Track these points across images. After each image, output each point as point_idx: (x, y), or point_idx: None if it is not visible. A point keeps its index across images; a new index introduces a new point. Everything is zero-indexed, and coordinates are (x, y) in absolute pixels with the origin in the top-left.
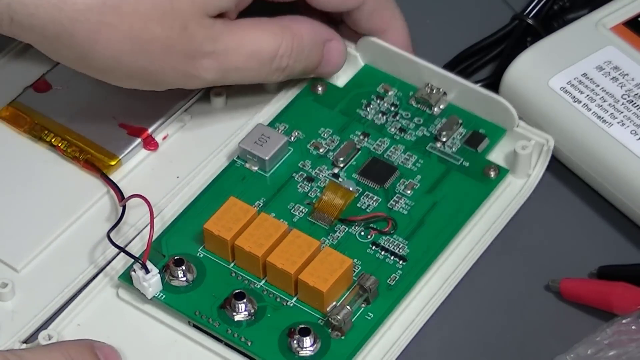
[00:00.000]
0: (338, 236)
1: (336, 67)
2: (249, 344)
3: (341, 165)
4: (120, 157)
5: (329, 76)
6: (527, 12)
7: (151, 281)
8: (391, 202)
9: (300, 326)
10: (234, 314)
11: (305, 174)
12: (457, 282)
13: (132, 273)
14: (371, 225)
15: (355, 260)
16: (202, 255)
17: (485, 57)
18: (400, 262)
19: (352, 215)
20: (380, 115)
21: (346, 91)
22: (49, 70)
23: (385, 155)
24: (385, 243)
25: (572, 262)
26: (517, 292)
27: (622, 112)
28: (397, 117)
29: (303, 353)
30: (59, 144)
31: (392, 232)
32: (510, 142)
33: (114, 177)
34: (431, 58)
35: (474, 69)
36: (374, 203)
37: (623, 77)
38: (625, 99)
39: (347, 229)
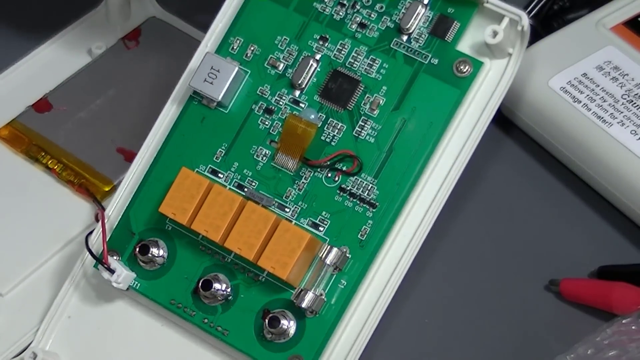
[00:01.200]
0: (304, 183)
1: None
2: (226, 334)
3: (301, 86)
4: (115, 183)
5: None
6: (527, 12)
7: (119, 279)
8: (357, 128)
9: (270, 315)
10: (208, 300)
11: (265, 104)
12: (437, 215)
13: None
14: (336, 166)
15: (324, 213)
16: (170, 228)
17: None
18: (370, 209)
19: (316, 158)
20: (338, 7)
21: None
22: (52, 90)
23: (347, 64)
24: (353, 186)
25: (572, 262)
26: (517, 292)
27: (622, 112)
28: (358, 7)
29: (279, 340)
30: (55, 167)
31: (358, 171)
32: (483, 22)
33: (108, 203)
34: None
35: None
36: (339, 133)
37: (623, 77)
38: (625, 99)
39: (312, 173)
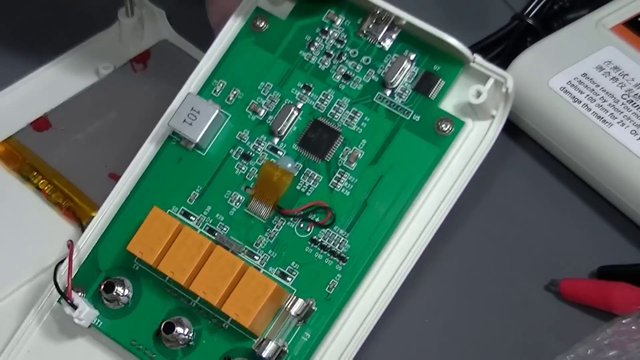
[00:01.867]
0: (275, 232)
1: None
2: None
3: (281, 134)
4: None
5: None
6: (527, 12)
7: (81, 315)
8: (333, 180)
9: None
10: (169, 344)
11: (242, 150)
12: (405, 277)
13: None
14: (309, 217)
15: (293, 263)
16: (137, 268)
17: (485, 57)
18: (340, 262)
19: (290, 207)
20: (324, 57)
21: (289, 25)
22: (53, 109)
23: (328, 115)
24: (325, 238)
25: (572, 262)
26: (517, 292)
27: (622, 112)
28: (344, 58)
29: None
30: (45, 188)
31: (330, 223)
32: (468, 81)
33: None
34: None
35: None
36: (315, 184)
37: (623, 77)
38: (625, 99)
39: (285, 222)
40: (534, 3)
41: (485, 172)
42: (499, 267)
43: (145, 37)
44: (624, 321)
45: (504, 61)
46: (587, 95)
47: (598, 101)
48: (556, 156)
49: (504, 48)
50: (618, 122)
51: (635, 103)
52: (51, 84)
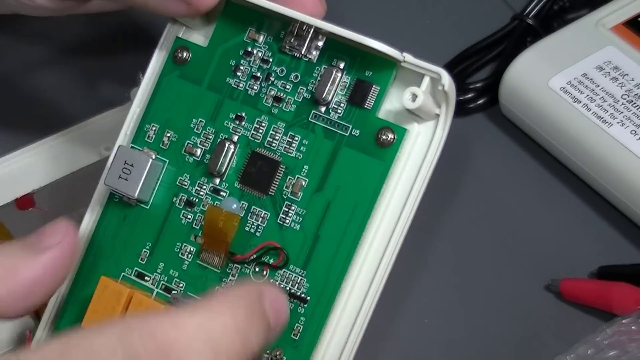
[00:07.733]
0: (232, 281)
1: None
2: None
3: (220, 173)
4: None
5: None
6: (527, 12)
7: None
8: (281, 215)
9: None
10: None
11: (185, 196)
12: (376, 302)
13: None
14: (263, 259)
15: None
16: None
17: (485, 57)
18: (302, 304)
19: (240, 253)
20: (252, 81)
21: (211, 51)
22: (42, 186)
23: (265, 144)
24: (282, 280)
25: (572, 262)
26: (517, 292)
27: (622, 112)
28: (272, 79)
29: None
30: None
31: (284, 264)
32: (405, 83)
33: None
34: (431, 58)
35: (474, 69)
36: (263, 222)
37: (623, 77)
38: (625, 99)
39: (239, 268)
40: (534, 3)
41: (485, 172)
42: (499, 267)
43: None
44: (624, 321)
45: (504, 61)
46: (587, 96)
47: (598, 101)
48: (556, 156)
49: (504, 48)
50: (618, 122)
51: (635, 103)
52: (48, 160)
